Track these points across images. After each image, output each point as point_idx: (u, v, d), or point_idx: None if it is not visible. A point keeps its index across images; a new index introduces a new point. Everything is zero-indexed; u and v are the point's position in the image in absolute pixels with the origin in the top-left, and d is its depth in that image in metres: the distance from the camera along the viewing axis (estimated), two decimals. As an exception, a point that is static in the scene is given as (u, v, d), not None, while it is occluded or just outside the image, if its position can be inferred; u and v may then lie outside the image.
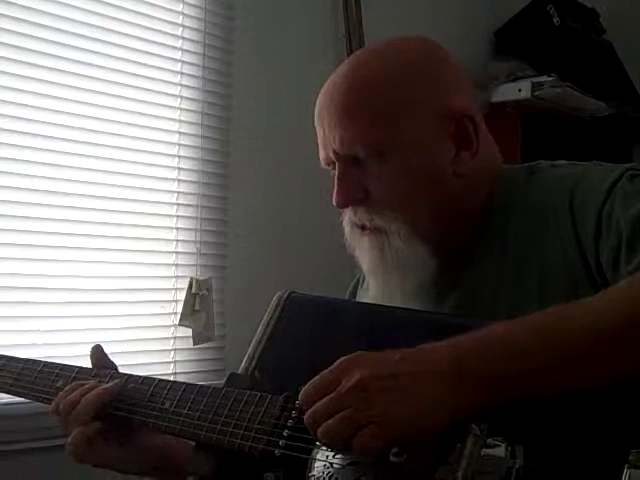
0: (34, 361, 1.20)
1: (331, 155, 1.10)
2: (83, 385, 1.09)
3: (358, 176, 1.08)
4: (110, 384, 1.09)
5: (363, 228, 1.10)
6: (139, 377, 1.11)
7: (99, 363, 1.17)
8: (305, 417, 0.86)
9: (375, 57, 1.12)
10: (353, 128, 1.06)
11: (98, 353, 1.18)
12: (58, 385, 1.13)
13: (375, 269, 1.11)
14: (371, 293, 1.13)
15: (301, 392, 0.87)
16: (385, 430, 0.81)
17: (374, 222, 1.08)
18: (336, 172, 1.10)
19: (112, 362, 1.18)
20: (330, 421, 0.82)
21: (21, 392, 1.18)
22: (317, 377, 0.86)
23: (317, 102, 1.13)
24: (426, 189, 1.07)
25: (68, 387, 1.10)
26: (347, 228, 1.13)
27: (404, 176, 1.06)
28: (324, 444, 0.86)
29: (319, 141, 1.12)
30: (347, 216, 1.12)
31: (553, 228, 1.02)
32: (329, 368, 0.86)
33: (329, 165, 1.12)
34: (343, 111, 1.07)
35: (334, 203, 1.10)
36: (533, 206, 1.06)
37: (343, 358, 0.86)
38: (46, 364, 1.18)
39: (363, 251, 1.11)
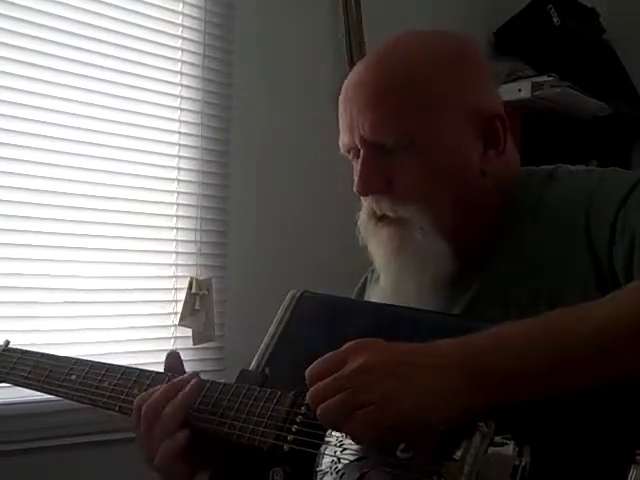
0: (49, 355, 1.19)
1: (356, 140, 1.07)
2: (167, 390, 1.02)
3: (383, 165, 1.06)
4: (189, 387, 1.01)
5: (382, 218, 1.08)
6: (143, 371, 1.10)
7: (171, 370, 1.10)
8: (308, 395, 0.86)
9: (410, 46, 1.09)
10: (384, 115, 1.04)
11: (173, 359, 1.12)
12: (72, 379, 1.12)
13: (392, 260, 1.09)
14: (383, 284, 1.12)
15: (307, 371, 0.87)
16: (381, 415, 0.80)
17: (398, 213, 1.06)
18: (360, 159, 1.07)
19: (185, 371, 1.11)
20: (329, 401, 0.83)
21: (35, 385, 1.17)
22: (324, 357, 0.86)
23: (345, 84, 1.10)
24: (451, 185, 1.05)
25: (146, 393, 1.03)
26: (363, 216, 1.11)
27: (430, 170, 1.05)
28: (322, 423, 0.86)
29: (343, 125, 1.09)
30: (367, 204, 1.10)
31: (568, 237, 1.02)
32: (336, 350, 0.86)
33: (349, 152, 1.10)
34: (376, 96, 1.05)
35: (355, 190, 1.08)
36: (550, 213, 1.06)
37: (351, 342, 0.86)
38: (60, 358, 1.17)
39: (379, 242, 1.09)
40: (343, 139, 1.10)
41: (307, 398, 0.86)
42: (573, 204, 1.03)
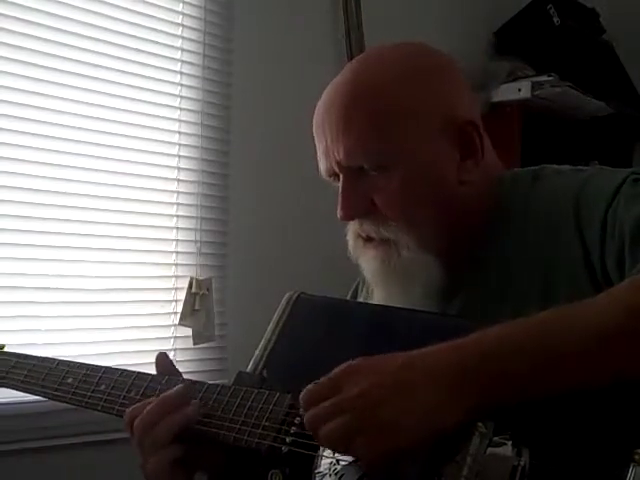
0: (45, 358, 1.18)
1: (334, 166, 1.08)
2: (158, 406, 1.00)
3: (363, 188, 1.06)
4: (191, 409, 0.99)
5: (368, 240, 1.09)
6: (140, 374, 1.10)
7: (164, 371, 1.10)
8: (305, 420, 0.86)
9: (376, 64, 1.10)
10: (356, 139, 1.04)
11: (163, 361, 1.11)
12: (69, 382, 1.12)
13: (379, 279, 1.10)
14: (376, 299, 1.12)
15: (301, 396, 0.87)
16: (386, 437, 0.80)
17: (381, 234, 1.07)
18: (340, 184, 1.08)
19: (177, 370, 1.11)
20: (331, 424, 0.82)
21: (31, 389, 1.16)
22: (317, 382, 0.86)
23: (316, 112, 1.10)
24: (432, 199, 1.06)
25: (139, 404, 1.02)
26: (350, 240, 1.11)
27: (410, 187, 1.05)
28: (325, 447, 0.86)
29: (320, 152, 1.10)
30: (352, 228, 1.10)
31: (558, 235, 1.02)
32: (329, 374, 0.85)
33: (331, 177, 1.10)
34: (346, 121, 1.05)
35: (338, 216, 1.08)
36: (538, 214, 1.06)
37: (343, 365, 0.85)
38: (57, 361, 1.16)
39: (368, 261, 1.10)
40: (322, 165, 1.10)
41: (305, 422, 0.86)
42: (561, 203, 1.03)
